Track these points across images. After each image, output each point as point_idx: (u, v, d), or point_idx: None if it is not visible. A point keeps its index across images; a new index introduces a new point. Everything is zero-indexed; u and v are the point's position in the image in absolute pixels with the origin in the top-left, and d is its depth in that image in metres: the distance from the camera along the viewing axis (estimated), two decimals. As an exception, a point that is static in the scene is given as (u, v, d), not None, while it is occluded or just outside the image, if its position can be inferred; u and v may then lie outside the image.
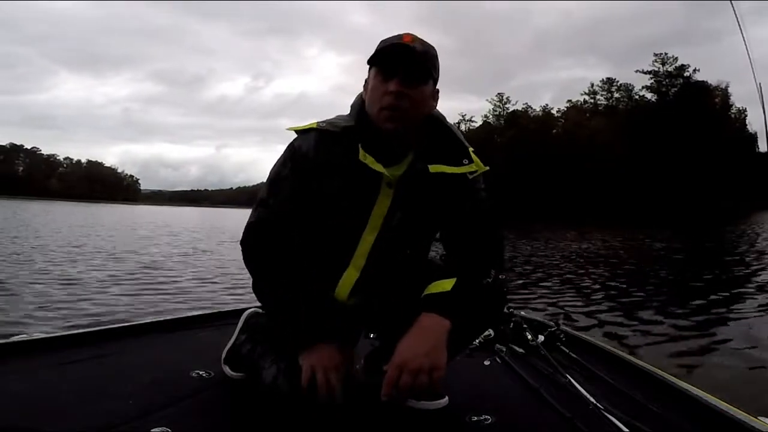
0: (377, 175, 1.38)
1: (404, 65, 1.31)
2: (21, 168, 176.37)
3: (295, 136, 1.45)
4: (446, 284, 1.39)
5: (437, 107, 1.46)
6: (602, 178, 55.28)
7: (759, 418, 1.37)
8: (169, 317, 2.53)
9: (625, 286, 7.75)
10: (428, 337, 1.31)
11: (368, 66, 1.37)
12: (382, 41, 1.36)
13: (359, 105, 1.43)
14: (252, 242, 1.44)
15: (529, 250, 14.59)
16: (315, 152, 1.39)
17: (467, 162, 1.43)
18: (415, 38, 1.33)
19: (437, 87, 1.42)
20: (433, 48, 1.36)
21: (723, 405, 1.47)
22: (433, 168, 1.40)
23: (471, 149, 1.46)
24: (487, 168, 1.46)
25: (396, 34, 1.35)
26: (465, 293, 1.39)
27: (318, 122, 1.43)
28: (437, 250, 1.59)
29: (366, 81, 1.41)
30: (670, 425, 1.43)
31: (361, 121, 1.39)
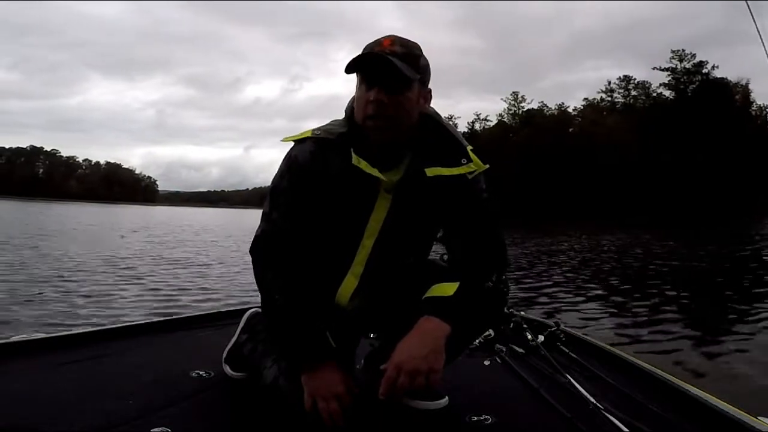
0: (375, 180, 1.37)
1: (383, 74, 1.28)
2: (41, 170, 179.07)
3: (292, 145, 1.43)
4: (448, 288, 1.37)
5: (433, 105, 1.43)
6: (618, 176, 54.57)
7: (759, 418, 1.37)
8: (169, 317, 2.54)
9: (629, 285, 7.72)
10: (427, 340, 1.30)
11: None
12: (365, 47, 1.32)
13: (350, 110, 1.41)
14: (258, 255, 1.43)
15: (537, 248, 14.51)
16: (311, 161, 1.38)
17: (466, 161, 1.40)
18: (395, 41, 1.30)
19: (429, 87, 1.39)
20: (417, 48, 1.33)
21: (723, 405, 1.46)
22: (431, 171, 1.38)
23: (470, 147, 1.43)
24: (487, 166, 1.43)
25: (378, 38, 1.32)
26: (466, 299, 1.37)
27: (313, 130, 1.41)
28: (437, 250, 1.58)
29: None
30: (670, 425, 1.42)
31: (353, 126, 1.38)
